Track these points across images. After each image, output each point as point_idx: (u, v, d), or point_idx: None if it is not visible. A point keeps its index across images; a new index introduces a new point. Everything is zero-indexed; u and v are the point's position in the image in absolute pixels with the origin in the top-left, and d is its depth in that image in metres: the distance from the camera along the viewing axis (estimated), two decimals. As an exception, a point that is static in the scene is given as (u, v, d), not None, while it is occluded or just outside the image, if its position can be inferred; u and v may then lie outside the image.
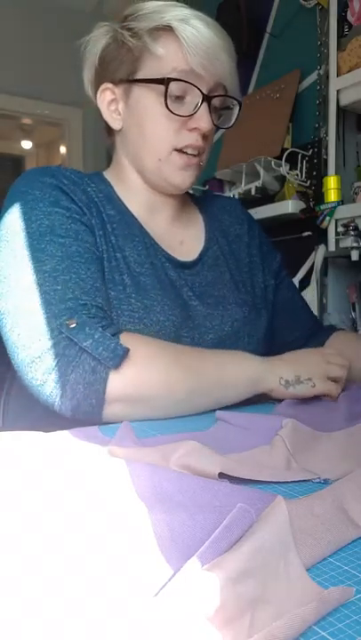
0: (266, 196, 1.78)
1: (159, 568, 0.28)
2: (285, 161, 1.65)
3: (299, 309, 0.95)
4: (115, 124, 0.79)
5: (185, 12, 0.72)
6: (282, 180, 1.73)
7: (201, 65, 0.72)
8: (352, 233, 1.45)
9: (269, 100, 1.83)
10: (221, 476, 0.42)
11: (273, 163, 1.68)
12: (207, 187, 2.03)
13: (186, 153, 0.75)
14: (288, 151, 1.67)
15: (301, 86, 1.77)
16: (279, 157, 1.67)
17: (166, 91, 0.71)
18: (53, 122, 3.66)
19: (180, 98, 0.73)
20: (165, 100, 0.71)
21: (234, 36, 0.76)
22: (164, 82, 0.71)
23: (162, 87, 0.71)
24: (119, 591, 0.26)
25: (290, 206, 1.63)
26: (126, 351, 0.60)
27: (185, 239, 0.84)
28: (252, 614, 0.24)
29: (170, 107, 0.72)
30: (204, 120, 0.73)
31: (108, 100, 0.78)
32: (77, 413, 0.62)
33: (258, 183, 1.73)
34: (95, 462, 0.40)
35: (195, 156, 0.76)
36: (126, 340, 0.62)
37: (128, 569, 0.27)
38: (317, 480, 0.44)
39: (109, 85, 0.77)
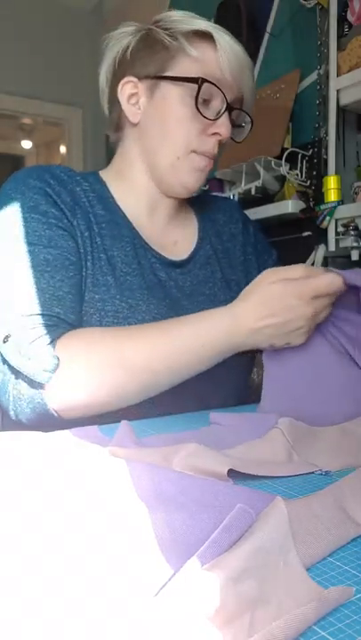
0: (266, 196, 1.77)
1: (159, 568, 0.28)
2: (285, 161, 1.65)
3: None
4: (133, 117, 0.79)
5: (213, 24, 0.75)
6: (282, 179, 1.73)
7: (231, 74, 0.74)
8: (352, 233, 1.45)
9: (269, 100, 1.83)
10: (228, 472, 0.42)
11: (273, 162, 1.68)
12: (207, 186, 2.03)
13: (203, 155, 0.77)
14: (288, 151, 1.67)
15: (301, 86, 1.76)
16: (279, 157, 1.67)
17: (199, 90, 0.72)
18: (53, 122, 3.66)
19: (205, 102, 0.74)
20: (196, 99, 0.73)
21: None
22: (198, 81, 0.72)
23: (192, 87, 0.73)
24: (119, 591, 0.26)
25: (290, 206, 1.63)
26: (55, 364, 0.60)
27: (179, 239, 0.85)
28: (252, 614, 0.24)
29: (198, 107, 0.73)
30: (225, 126, 0.75)
31: (128, 93, 0.78)
32: (36, 424, 0.63)
33: (258, 183, 1.73)
34: (95, 462, 0.40)
35: (209, 159, 0.78)
36: (64, 345, 0.62)
37: (128, 569, 0.27)
38: (319, 472, 0.44)
39: (133, 79, 0.77)
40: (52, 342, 0.62)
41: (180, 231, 0.86)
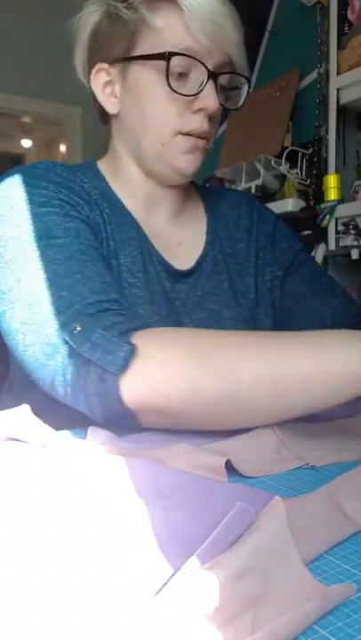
0: (266, 195, 1.77)
1: (159, 567, 0.28)
2: (285, 159, 1.65)
3: (319, 296, 0.80)
4: (111, 107, 0.71)
5: None
6: (282, 178, 1.73)
7: (206, 37, 0.64)
8: (352, 232, 1.45)
9: (269, 99, 1.83)
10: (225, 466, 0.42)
11: (273, 161, 1.68)
12: (207, 185, 2.03)
13: (191, 136, 0.68)
14: (288, 150, 1.67)
15: (301, 85, 1.76)
16: (279, 156, 1.67)
17: (168, 67, 0.64)
18: (53, 120, 3.66)
19: (183, 75, 0.66)
20: (167, 77, 0.64)
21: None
22: (165, 57, 0.64)
23: (162, 64, 0.64)
24: (119, 591, 0.26)
25: (290, 205, 1.63)
26: (131, 351, 0.50)
27: (184, 240, 0.76)
28: (253, 612, 0.24)
29: (172, 85, 0.65)
30: (211, 100, 0.65)
31: (103, 82, 0.71)
32: (113, 424, 0.54)
33: (258, 182, 1.73)
34: (94, 461, 0.40)
35: (201, 138, 0.69)
36: (142, 336, 0.52)
37: (128, 568, 0.27)
38: (306, 467, 0.45)
39: (104, 66, 0.70)
40: (129, 332, 0.53)
41: (186, 230, 0.77)
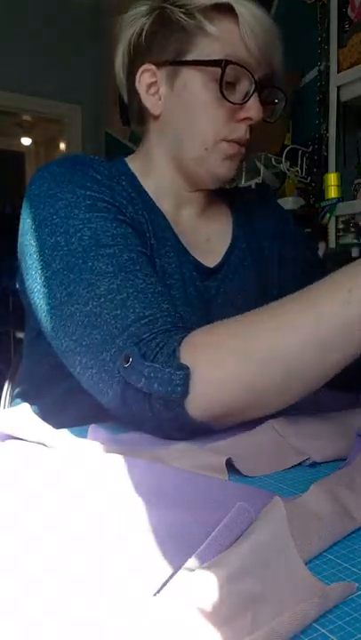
0: (266, 193, 1.78)
1: (159, 567, 0.28)
2: (286, 158, 1.65)
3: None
4: (154, 109, 0.71)
5: None
6: (282, 176, 1.73)
7: (259, 50, 0.67)
8: (353, 230, 1.45)
9: (270, 97, 1.83)
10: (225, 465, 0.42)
11: (273, 159, 1.68)
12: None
13: (234, 143, 0.70)
14: (288, 148, 1.67)
15: (302, 83, 1.76)
16: (279, 154, 1.67)
17: (223, 74, 0.65)
18: (53, 119, 3.66)
19: (230, 85, 0.67)
20: (221, 84, 0.65)
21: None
22: (222, 64, 0.65)
23: (215, 70, 0.66)
24: (119, 590, 0.26)
25: (290, 203, 1.63)
26: (185, 376, 0.51)
27: (211, 236, 0.77)
28: (253, 611, 0.24)
29: (223, 92, 0.66)
30: (256, 109, 0.67)
31: (147, 83, 0.71)
32: (187, 437, 0.54)
33: (258, 180, 1.73)
34: (94, 460, 0.40)
35: (241, 146, 0.71)
36: (187, 350, 0.52)
37: (128, 568, 0.27)
38: (307, 463, 0.45)
39: (151, 67, 0.70)
40: (175, 351, 0.52)
41: (213, 226, 0.78)
